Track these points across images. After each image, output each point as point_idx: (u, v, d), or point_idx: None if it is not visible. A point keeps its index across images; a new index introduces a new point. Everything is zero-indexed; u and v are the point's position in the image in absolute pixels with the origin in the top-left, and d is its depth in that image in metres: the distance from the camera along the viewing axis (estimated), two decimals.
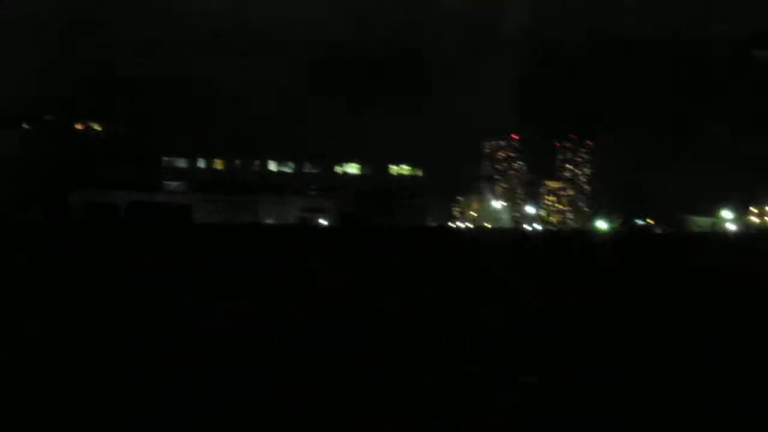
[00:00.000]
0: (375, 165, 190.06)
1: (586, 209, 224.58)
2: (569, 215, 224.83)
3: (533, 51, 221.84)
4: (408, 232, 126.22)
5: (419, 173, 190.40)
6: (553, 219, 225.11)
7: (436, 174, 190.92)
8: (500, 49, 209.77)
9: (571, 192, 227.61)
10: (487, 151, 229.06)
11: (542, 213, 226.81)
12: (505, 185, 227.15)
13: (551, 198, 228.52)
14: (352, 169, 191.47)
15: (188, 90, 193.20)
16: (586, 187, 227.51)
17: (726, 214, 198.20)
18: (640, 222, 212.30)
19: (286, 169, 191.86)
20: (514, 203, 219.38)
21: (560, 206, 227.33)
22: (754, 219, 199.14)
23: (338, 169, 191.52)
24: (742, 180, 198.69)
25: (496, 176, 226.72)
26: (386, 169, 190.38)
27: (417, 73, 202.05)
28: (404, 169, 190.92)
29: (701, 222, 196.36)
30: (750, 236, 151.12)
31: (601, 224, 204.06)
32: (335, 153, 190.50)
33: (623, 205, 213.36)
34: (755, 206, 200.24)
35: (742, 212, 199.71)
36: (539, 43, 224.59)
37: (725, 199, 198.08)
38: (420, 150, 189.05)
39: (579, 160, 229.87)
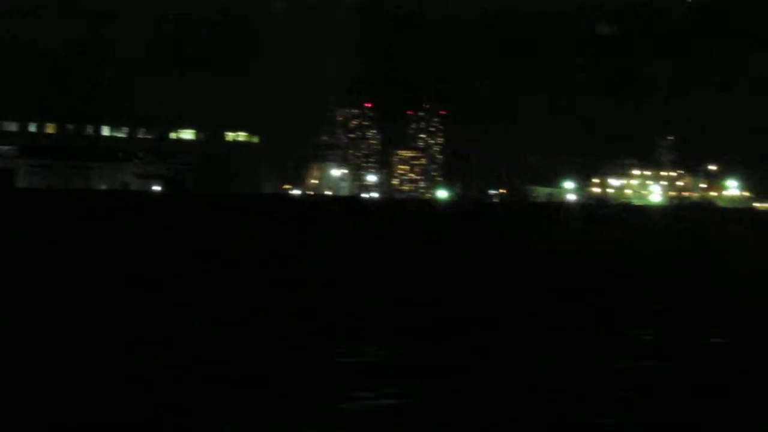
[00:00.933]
0: (210, 131, 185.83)
1: (438, 178, 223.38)
2: (422, 184, 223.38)
3: (387, 20, 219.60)
4: (235, 198, 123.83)
5: (256, 140, 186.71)
6: (405, 188, 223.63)
7: (275, 141, 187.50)
8: (350, 16, 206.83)
9: (423, 161, 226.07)
10: (340, 119, 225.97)
11: (395, 181, 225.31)
12: (357, 153, 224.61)
13: (404, 167, 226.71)
14: (187, 135, 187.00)
15: (19, 54, 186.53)
16: (439, 156, 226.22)
17: (568, 184, 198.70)
18: (493, 191, 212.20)
19: (120, 135, 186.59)
20: (357, 171, 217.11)
21: (413, 175, 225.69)
22: (595, 189, 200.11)
23: (173, 135, 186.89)
24: (586, 152, 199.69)
25: (350, 144, 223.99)
26: (222, 135, 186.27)
27: (259, 41, 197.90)
28: (241, 135, 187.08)
29: (541, 192, 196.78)
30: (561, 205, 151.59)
31: (442, 193, 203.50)
32: (171, 119, 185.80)
33: (477, 175, 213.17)
34: (597, 177, 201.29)
35: (583, 183, 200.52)
36: (395, 11, 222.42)
37: (568, 170, 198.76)
38: (259, 117, 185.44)
39: (432, 129, 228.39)
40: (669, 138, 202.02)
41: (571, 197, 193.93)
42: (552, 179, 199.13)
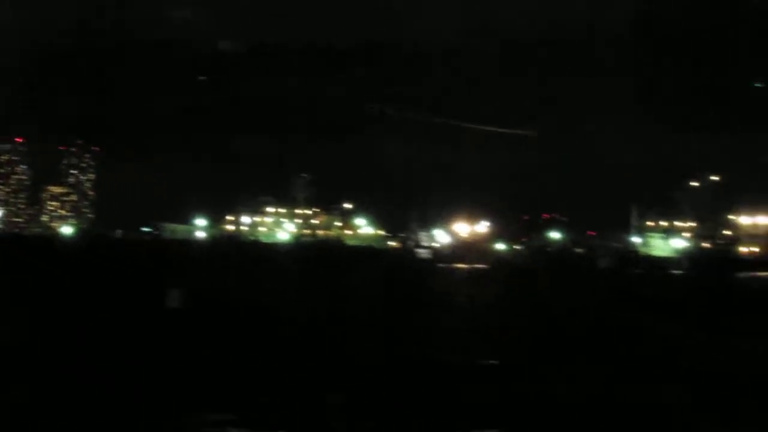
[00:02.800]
0: None
1: (90, 215, 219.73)
2: (72, 221, 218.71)
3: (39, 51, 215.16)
4: None
5: None
6: (55, 225, 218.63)
7: None
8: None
9: (74, 197, 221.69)
10: None
11: (45, 218, 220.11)
12: (6, 189, 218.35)
13: (54, 203, 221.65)
14: None
15: None
16: (91, 192, 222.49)
17: (200, 221, 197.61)
18: (147, 230, 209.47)
19: None
20: None
21: (63, 212, 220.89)
22: (229, 227, 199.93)
23: None
24: (221, 188, 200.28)
25: None
26: None
27: None
28: None
29: (171, 229, 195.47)
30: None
31: (66, 229, 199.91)
32: None
33: (129, 211, 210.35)
34: (231, 214, 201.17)
35: (216, 220, 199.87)
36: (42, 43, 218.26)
37: (203, 206, 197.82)
38: None
39: (84, 165, 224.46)
40: (304, 176, 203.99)
41: (201, 234, 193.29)
42: (185, 216, 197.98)
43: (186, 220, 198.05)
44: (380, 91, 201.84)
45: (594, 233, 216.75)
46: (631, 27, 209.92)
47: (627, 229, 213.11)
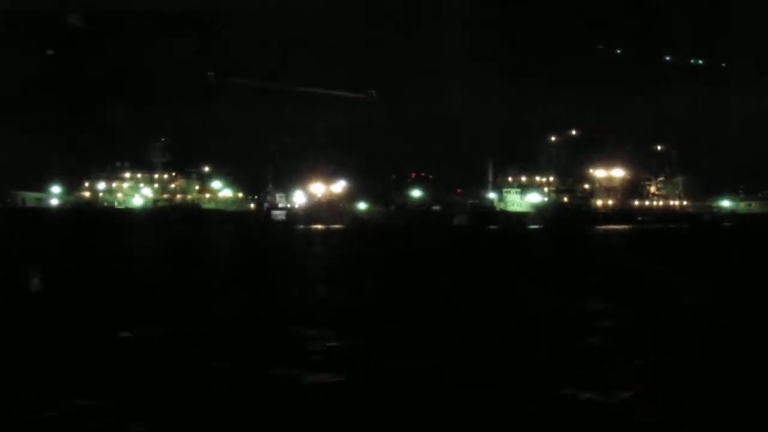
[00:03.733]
0: None
1: None
2: None
3: None
4: None
5: None
6: None
7: None
8: None
9: None
10: None
11: None
12: None
13: None
14: None
15: None
16: None
17: (54, 189, 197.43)
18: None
19: None
20: None
21: None
22: (85, 193, 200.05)
23: None
24: (76, 154, 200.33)
25: None
26: None
27: None
28: None
29: (21, 197, 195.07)
30: None
31: None
32: None
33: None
34: (87, 180, 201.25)
35: (72, 187, 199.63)
36: None
37: (59, 174, 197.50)
38: None
39: None
40: (162, 140, 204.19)
41: (54, 202, 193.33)
42: (40, 183, 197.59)
43: (42, 188, 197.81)
44: (226, 56, 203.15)
45: (461, 191, 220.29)
46: None
47: (486, 185, 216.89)
